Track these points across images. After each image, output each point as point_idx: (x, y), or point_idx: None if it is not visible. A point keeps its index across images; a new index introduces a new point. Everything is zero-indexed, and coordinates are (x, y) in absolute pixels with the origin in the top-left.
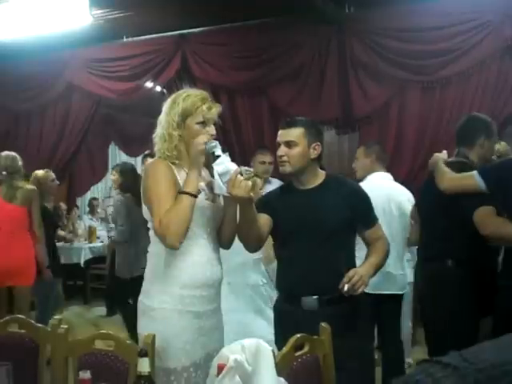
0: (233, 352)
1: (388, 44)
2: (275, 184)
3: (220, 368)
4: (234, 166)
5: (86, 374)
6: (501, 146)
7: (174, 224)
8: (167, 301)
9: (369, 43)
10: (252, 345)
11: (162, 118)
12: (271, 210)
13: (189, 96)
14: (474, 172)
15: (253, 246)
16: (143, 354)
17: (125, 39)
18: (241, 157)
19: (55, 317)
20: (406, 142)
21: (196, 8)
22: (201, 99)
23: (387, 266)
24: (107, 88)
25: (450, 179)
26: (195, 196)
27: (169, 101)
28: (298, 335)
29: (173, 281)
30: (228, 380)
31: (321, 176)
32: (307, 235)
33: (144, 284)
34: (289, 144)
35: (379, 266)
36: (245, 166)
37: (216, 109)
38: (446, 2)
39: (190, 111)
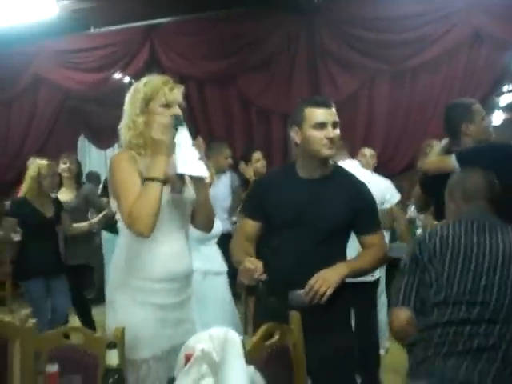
0: (200, 341)
1: (357, 33)
2: (229, 175)
3: (187, 358)
4: (187, 140)
5: (53, 367)
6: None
7: (143, 213)
8: (127, 292)
9: (338, 33)
10: (220, 334)
11: (125, 107)
12: (267, 196)
13: (149, 81)
14: (453, 155)
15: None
16: (111, 346)
17: (92, 30)
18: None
19: (23, 311)
20: (376, 131)
21: None
22: (162, 82)
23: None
24: (75, 80)
25: (430, 162)
26: (163, 182)
27: (131, 89)
28: (268, 324)
29: (134, 273)
30: (195, 369)
31: (330, 166)
32: (304, 228)
33: (110, 275)
34: (335, 125)
35: (361, 271)
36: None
37: (178, 89)
38: None
39: (151, 95)
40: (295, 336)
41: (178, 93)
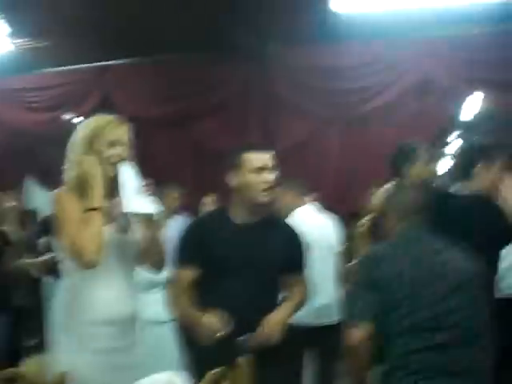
0: None
1: (309, 81)
2: (179, 219)
3: None
4: (132, 178)
5: None
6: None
7: (87, 242)
8: (70, 336)
9: (291, 80)
10: (163, 378)
11: (69, 147)
12: (203, 244)
13: (94, 120)
14: None
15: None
16: None
17: (46, 69)
18: (158, 189)
19: None
20: (326, 176)
21: (119, 40)
22: (106, 121)
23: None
24: (25, 119)
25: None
26: (101, 209)
27: (76, 129)
28: (216, 369)
29: (75, 316)
30: None
31: (266, 211)
32: (251, 271)
33: (54, 318)
34: (274, 169)
35: (295, 312)
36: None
37: (123, 128)
38: (366, 41)
39: (95, 135)
40: (246, 381)
41: (122, 131)
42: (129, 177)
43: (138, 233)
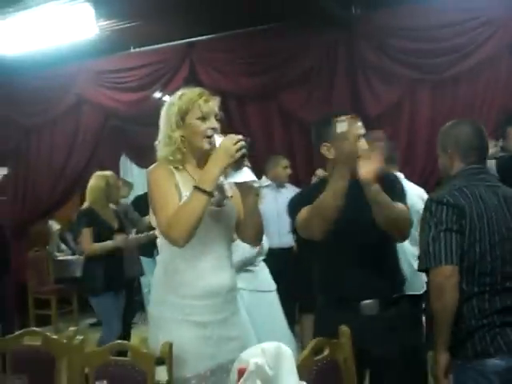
0: (253, 356)
1: (396, 44)
2: (290, 189)
3: (240, 372)
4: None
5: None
6: None
7: (183, 220)
8: (169, 309)
9: (377, 44)
10: (272, 348)
11: (161, 122)
12: None
13: (184, 94)
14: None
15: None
16: (160, 362)
17: (132, 50)
18: (252, 162)
19: (70, 328)
20: (418, 141)
21: (202, 16)
22: (197, 94)
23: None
24: (116, 99)
25: None
26: (211, 195)
27: (166, 104)
28: (318, 339)
29: (172, 289)
30: None
31: None
32: (360, 235)
33: (152, 292)
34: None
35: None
36: (256, 172)
37: (214, 101)
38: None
39: (186, 108)
40: (345, 351)
41: (213, 104)
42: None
43: (232, 206)
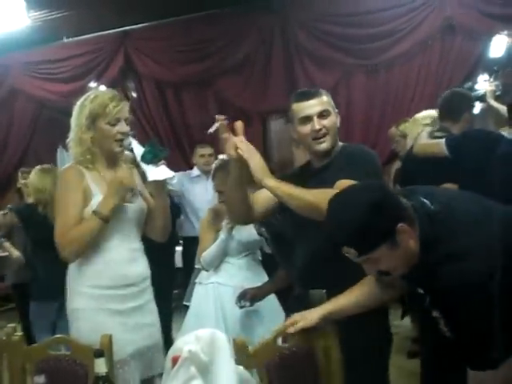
0: (187, 343)
1: (331, 29)
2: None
3: (174, 360)
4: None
5: (40, 378)
6: None
7: (75, 242)
8: (84, 300)
9: (312, 30)
10: (206, 334)
11: (72, 121)
12: None
13: (96, 97)
14: (443, 140)
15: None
16: (99, 354)
17: (65, 40)
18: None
19: (9, 325)
20: (355, 125)
21: (136, 3)
22: (108, 98)
23: None
24: (50, 90)
25: (421, 145)
26: (106, 221)
27: (77, 104)
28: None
29: (86, 280)
30: (183, 371)
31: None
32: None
33: (66, 284)
34: (322, 114)
35: None
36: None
37: (124, 106)
38: None
39: (97, 112)
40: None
41: (123, 109)
42: (137, 149)
43: (141, 202)
